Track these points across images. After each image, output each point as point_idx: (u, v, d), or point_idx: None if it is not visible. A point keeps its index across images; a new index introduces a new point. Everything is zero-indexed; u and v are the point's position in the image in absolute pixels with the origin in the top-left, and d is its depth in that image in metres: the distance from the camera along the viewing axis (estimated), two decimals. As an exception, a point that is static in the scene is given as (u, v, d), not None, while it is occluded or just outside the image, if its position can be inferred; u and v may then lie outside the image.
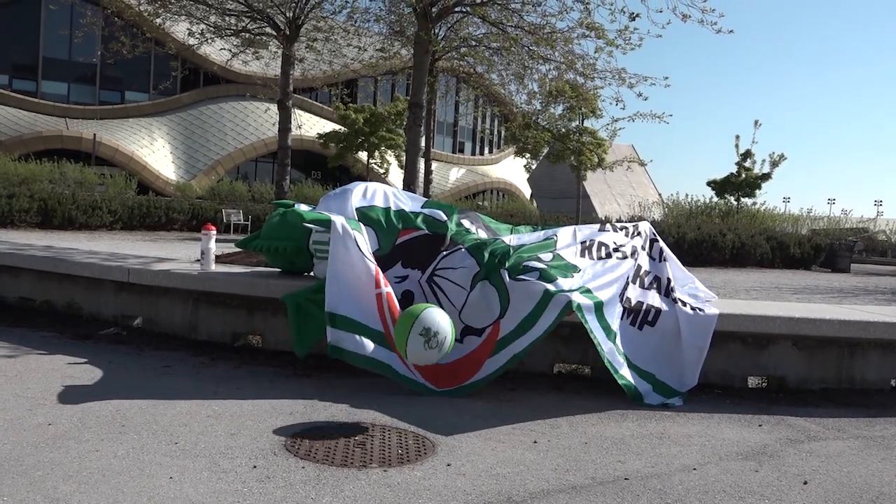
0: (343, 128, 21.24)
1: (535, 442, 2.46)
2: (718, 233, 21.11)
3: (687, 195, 31.93)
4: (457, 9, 7.26)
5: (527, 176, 51.45)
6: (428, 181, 8.47)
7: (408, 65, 10.28)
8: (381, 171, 23.51)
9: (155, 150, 36.60)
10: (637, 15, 6.56)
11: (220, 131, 40.03)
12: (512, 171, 49.82)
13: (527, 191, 53.67)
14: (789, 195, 61.91)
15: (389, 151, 21.54)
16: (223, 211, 24.37)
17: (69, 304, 4.89)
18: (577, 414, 3.21)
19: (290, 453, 2.51)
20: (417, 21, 7.09)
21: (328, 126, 31.83)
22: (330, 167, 24.90)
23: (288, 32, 8.10)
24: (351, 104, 21.55)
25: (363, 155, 22.03)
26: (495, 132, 53.05)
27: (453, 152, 53.04)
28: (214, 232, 4.34)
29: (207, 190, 31.44)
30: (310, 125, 35.75)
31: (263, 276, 4.25)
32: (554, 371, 3.96)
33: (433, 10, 7.03)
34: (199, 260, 4.44)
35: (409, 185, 7.33)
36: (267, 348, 4.16)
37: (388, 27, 8.48)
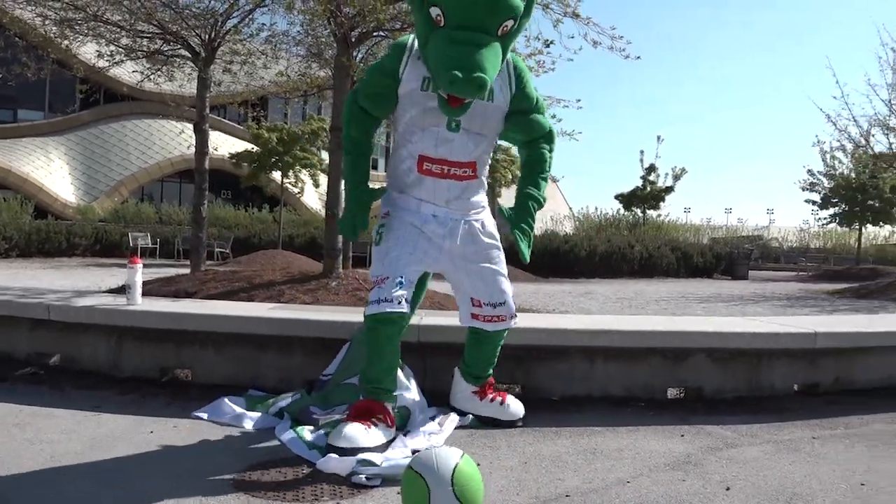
0: (256, 147, 20.91)
1: (479, 464, 2.55)
2: (627, 245, 21.97)
3: (596, 208, 33.10)
4: (376, 34, 7.36)
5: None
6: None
7: (325, 84, 10.30)
8: (296, 190, 23.25)
9: (52, 172, 34.88)
10: (551, 42, 6.84)
11: (123, 151, 38.56)
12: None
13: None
14: (690, 205, 64.87)
15: (304, 171, 21.34)
16: (129, 234, 23.52)
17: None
18: (513, 434, 3.33)
19: (239, 491, 2.51)
20: (338, 46, 7.13)
21: (238, 144, 31.18)
22: (243, 187, 24.43)
23: (204, 55, 7.99)
24: (264, 123, 21.26)
25: (277, 174, 21.74)
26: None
27: (367, 169, 53.09)
28: (140, 265, 4.25)
29: (111, 212, 30.27)
30: (219, 143, 35.00)
31: (191, 310, 4.19)
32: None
33: (353, 34, 7.10)
34: (119, 291, 4.33)
35: (332, 207, 7.35)
36: (198, 382, 4.10)
37: (307, 50, 8.48)
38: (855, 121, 20.74)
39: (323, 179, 28.63)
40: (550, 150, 3.31)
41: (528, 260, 3.26)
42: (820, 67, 55.50)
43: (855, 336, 4.29)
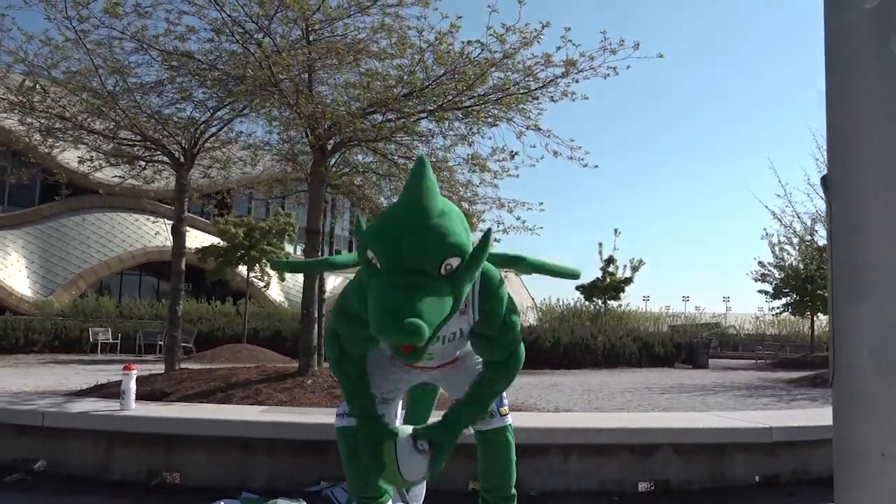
0: (222, 241, 21.12)
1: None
2: (591, 336, 22.37)
3: (558, 299, 33.67)
4: (350, 143, 7.81)
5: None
6: (322, 299, 8.72)
7: (297, 189, 10.72)
8: (262, 284, 23.35)
9: (8, 265, 34.37)
10: (516, 153, 7.36)
11: (82, 243, 38.25)
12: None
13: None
14: (649, 293, 66.09)
15: (269, 265, 21.54)
16: (90, 330, 23.17)
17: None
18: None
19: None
20: (314, 155, 7.55)
21: (200, 236, 31.27)
22: (209, 281, 24.44)
23: (183, 160, 8.33)
24: (230, 218, 21.56)
25: (243, 268, 21.88)
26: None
27: (329, 260, 53.27)
28: (135, 372, 4.41)
29: (70, 306, 29.76)
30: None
31: (183, 414, 4.34)
32: (469, 489, 4.26)
33: (329, 143, 7.54)
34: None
35: (307, 306, 7.58)
36: (186, 485, 4.21)
37: (283, 157, 8.90)
38: (798, 217, 21.87)
39: (289, 273, 28.90)
40: (505, 375, 2.95)
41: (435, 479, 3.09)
42: (764, 168, 58.43)
43: (806, 430, 4.62)
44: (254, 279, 22.37)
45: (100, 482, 4.27)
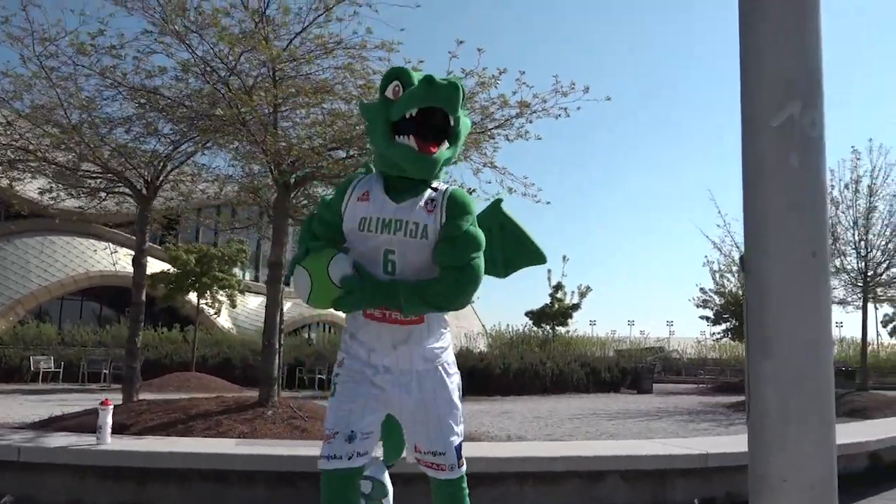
0: (173, 268, 20.97)
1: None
2: (539, 362, 22.82)
3: (508, 325, 34.16)
4: (314, 178, 8.06)
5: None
6: (281, 328, 8.87)
7: (253, 223, 10.90)
8: (212, 311, 23.17)
9: (-57, 291, 33.29)
10: (473, 190, 7.73)
11: (22, 268, 37.16)
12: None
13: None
14: (596, 318, 67.19)
15: (221, 291, 21.46)
16: (31, 358, 22.57)
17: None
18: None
19: None
20: (278, 190, 7.77)
21: (150, 261, 30.83)
22: (158, 308, 24.12)
23: (146, 193, 8.45)
24: (181, 245, 21.43)
25: (193, 295, 21.72)
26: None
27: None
28: (111, 407, 4.55)
29: (9, 333, 28.86)
30: (128, 261, 34.43)
31: (158, 448, 4.50)
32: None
33: (292, 179, 7.78)
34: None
35: (269, 337, 7.74)
36: (159, 517, 4.37)
37: (244, 189, 9.09)
38: (737, 246, 22.79)
39: (241, 299, 28.66)
40: (455, 281, 2.69)
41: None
42: (704, 199, 60.53)
43: (738, 456, 5.03)
44: (204, 306, 22.18)
45: (72, 515, 4.39)
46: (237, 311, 33.53)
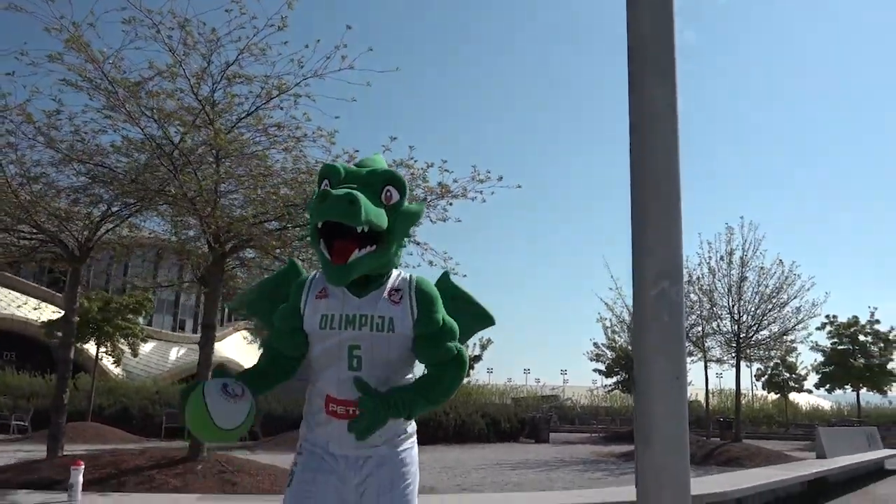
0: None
1: None
2: (443, 412, 23.49)
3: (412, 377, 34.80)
4: (246, 247, 8.62)
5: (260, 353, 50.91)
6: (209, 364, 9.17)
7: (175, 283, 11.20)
8: (111, 359, 22.61)
9: None
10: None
11: None
12: (239, 349, 49.12)
13: (255, 370, 52.71)
14: (493, 366, 68.61)
15: (123, 340, 21.09)
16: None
17: None
18: None
19: None
20: (214, 258, 8.28)
21: (42, 305, 29.54)
22: (55, 355, 23.19)
23: (78, 254, 8.73)
24: (80, 291, 20.94)
25: (91, 345, 21.25)
26: (220, 308, 52.65)
27: (173, 330, 51.16)
28: (82, 467, 4.94)
29: None
30: (9, 301, 32.86)
31: None
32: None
33: (228, 246, 8.32)
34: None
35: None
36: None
37: (177, 252, 9.50)
38: (628, 308, 24.54)
39: (162, 352, 27.89)
40: (454, 375, 2.63)
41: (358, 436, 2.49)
42: (599, 264, 64.37)
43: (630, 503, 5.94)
44: (104, 354, 21.64)
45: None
46: (128, 358, 32.56)
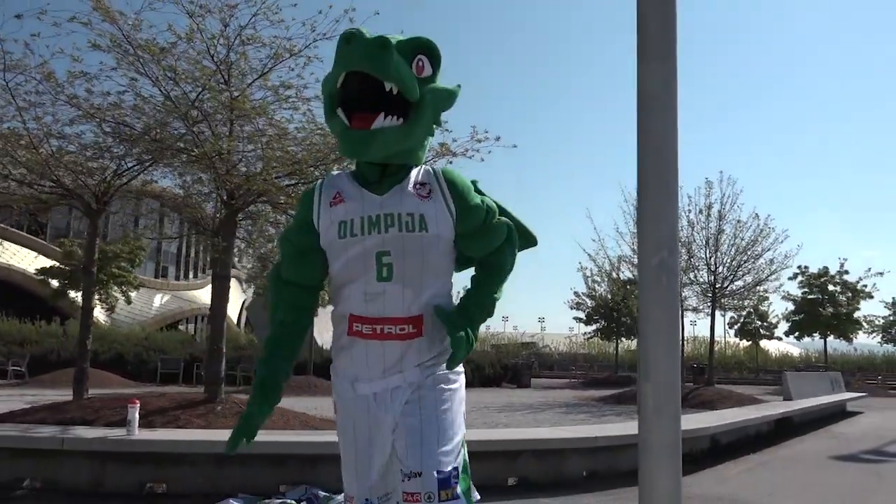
0: (63, 263, 20.84)
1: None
2: (430, 359, 24.34)
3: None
4: (257, 202, 9.05)
5: (243, 302, 51.41)
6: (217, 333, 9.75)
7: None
8: (104, 307, 23.05)
9: None
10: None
11: None
12: (221, 296, 49.10)
13: (241, 319, 53.37)
14: (473, 315, 69.86)
15: (116, 288, 21.54)
16: None
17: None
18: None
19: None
20: (226, 213, 8.73)
21: (23, 253, 29.67)
22: (50, 304, 23.63)
23: (95, 207, 9.14)
24: (72, 239, 21.28)
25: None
26: (202, 255, 52.87)
27: (156, 277, 51.31)
28: (138, 404, 5.52)
29: None
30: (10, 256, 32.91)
31: (172, 437, 5.54)
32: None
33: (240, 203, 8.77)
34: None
35: (216, 342, 8.66)
36: (171, 493, 5.42)
37: (190, 206, 9.93)
38: (609, 259, 25.36)
39: (145, 299, 28.33)
40: (511, 253, 2.34)
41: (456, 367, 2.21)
42: (582, 216, 65.41)
43: (617, 438, 6.67)
44: (98, 303, 22.08)
45: (95, 494, 5.36)
46: (122, 308, 33.03)
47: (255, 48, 8.13)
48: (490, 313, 2.29)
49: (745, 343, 39.97)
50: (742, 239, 18.46)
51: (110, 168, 9.13)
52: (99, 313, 34.37)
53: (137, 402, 5.58)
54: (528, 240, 2.49)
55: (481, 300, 2.27)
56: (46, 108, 8.11)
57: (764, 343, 38.42)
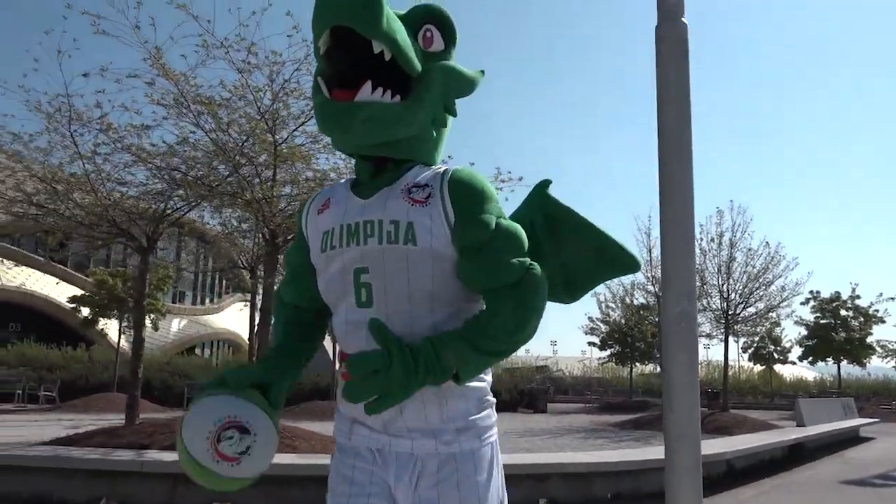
0: (93, 293, 21.59)
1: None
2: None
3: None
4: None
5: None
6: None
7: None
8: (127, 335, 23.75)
9: None
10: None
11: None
12: (237, 321, 50.06)
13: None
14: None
15: (147, 316, 22.24)
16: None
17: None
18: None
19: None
20: (268, 249, 9.38)
21: (35, 276, 30.39)
22: (81, 332, 24.37)
23: (145, 245, 9.82)
24: (102, 269, 22.04)
25: (112, 322, 22.45)
26: (218, 281, 53.74)
27: (173, 302, 52.06)
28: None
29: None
30: (13, 276, 33.69)
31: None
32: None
33: (280, 240, 9.41)
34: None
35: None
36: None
37: (230, 242, 10.60)
38: (622, 285, 25.86)
39: (163, 324, 29.06)
40: (517, 307, 1.57)
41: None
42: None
43: (638, 462, 7.18)
44: (127, 330, 22.76)
45: (167, 513, 5.93)
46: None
47: (296, 99, 8.82)
48: (451, 371, 1.52)
49: (758, 367, 40.16)
50: (753, 266, 18.96)
51: (159, 208, 9.82)
52: (125, 341, 35.16)
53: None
54: (616, 264, 1.88)
55: (448, 343, 1.51)
56: (107, 155, 8.83)
57: (778, 367, 38.61)
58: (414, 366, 1.48)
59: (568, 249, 1.83)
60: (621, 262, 1.88)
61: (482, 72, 1.79)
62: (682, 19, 1.87)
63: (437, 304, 1.61)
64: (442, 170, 1.66)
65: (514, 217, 1.80)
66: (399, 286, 1.58)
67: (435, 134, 1.72)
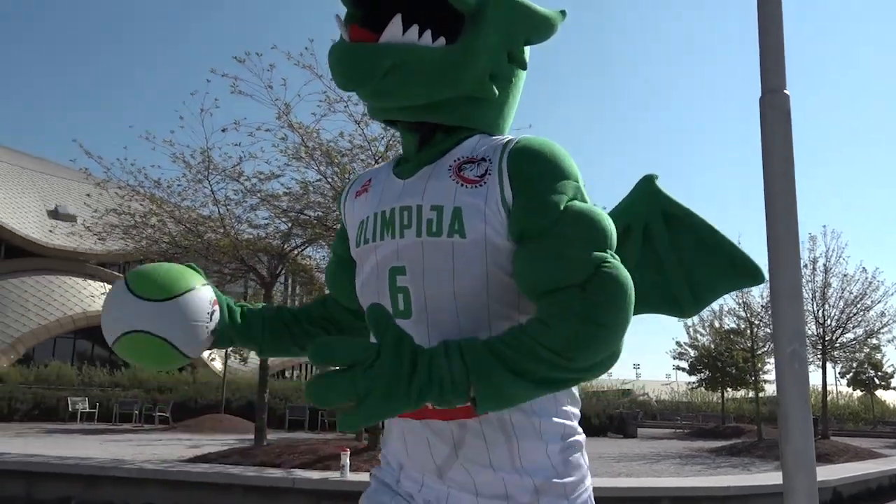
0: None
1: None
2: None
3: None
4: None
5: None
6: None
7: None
8: (239, 358, 25.06)
9: (-56, 329, 34.54)
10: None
11: (21, 307, 38.43)
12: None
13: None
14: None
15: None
16: (69, 399, 24.15)
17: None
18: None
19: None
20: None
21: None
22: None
23: (268, 279, 10.77)
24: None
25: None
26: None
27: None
28: (349, 452, 6.82)
29: (24, 373, 30.06)
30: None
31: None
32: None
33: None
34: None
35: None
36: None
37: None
38: (711, 309, 25.60)
39: (252, 354, 30.52)
40: (579, 316, 1.07)
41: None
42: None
43: (745, 487, 7.46)
44: (231, 354, 24.12)
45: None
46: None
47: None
48: (458, 393, 1.05)
49: (858, 393, 38.61)
50: (850, 292, 18.60)
51: (279, 246, 10.78)
52: (216, 362, 36.87)
53: (348, 449, 6.85)
54: (739, 275, 1.59)
55: (472, 353, 1.06)
56: (238, 201, 9.85)
57: (880, 393, 37.03)
58: (409, 368, 1.02)
59: (690, 255, 1.52)
60: (745, 271, 1.57)
61: (563, 12, 1.38)
62: (785, 90, 1.96)
63: (495, 316, 1.21)
64: (506, 140, 1.26)
65: (616, 215, 1.46)
66: (443, 292, 1.20)
67: (498, 92, 1.29)
